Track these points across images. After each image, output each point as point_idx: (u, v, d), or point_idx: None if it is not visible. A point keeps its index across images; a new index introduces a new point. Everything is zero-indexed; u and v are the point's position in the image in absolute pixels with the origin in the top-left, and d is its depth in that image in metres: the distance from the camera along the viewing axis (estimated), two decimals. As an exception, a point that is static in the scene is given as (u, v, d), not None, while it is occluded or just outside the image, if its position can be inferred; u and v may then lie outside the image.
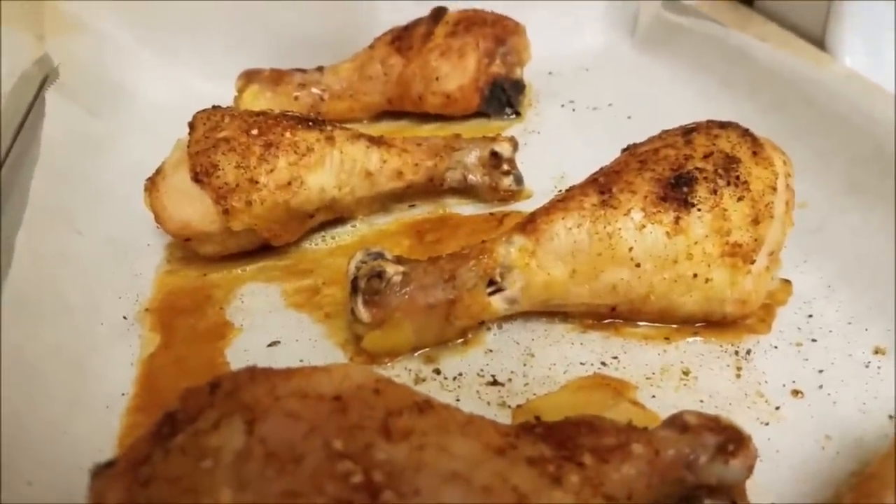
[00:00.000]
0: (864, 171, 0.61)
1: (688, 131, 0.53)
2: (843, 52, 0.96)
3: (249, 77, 0.82)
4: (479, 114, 0.82)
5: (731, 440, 0.37)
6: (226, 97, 0.79)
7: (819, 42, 0.94)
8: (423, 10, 0.83)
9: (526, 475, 0.34)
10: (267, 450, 0.31)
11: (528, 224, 0.52)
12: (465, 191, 0.68)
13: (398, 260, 0.52)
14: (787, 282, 0.55)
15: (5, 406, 0.43)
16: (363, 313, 0.50)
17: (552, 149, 0.76)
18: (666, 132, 0.55)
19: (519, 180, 0.68)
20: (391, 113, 0.84)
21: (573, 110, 0.84)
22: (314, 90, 0.81)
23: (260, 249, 0.62)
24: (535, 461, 0.35)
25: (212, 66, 0.86)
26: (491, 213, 0.67)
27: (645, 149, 0.53)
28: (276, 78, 0.82)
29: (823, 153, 0.64)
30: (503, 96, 0.82)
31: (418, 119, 0.83)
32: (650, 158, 0.52)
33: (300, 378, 0.36)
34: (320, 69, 0.83)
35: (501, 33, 0.81)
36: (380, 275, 0.50)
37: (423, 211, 0.68)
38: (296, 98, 0.81)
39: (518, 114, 0.83)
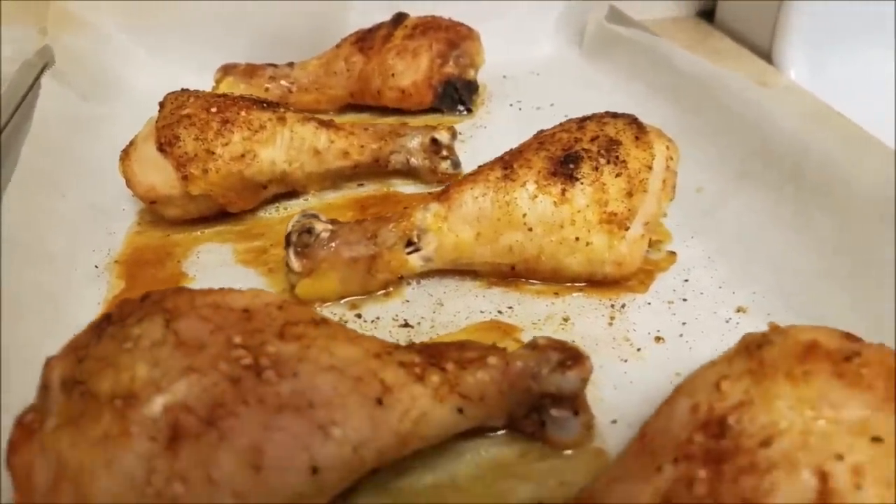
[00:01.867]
0: (752, 163, 0.69)
1: (583, 119, 0.62)
2: (788, 65, 1.05)
3: (226, 70, 0.91)
4: (434, 109, 0.91)
5: (570, 357, 0.45)
6: (206, 87, 0.88)
7: (768, 57, 1.03)
8: (388, 16, 0.93)
9: (394, 373, 0.43)
10: (178, 340, 0.39)
11: (443, 194, 0.60)
12: (408, 172, 0.76)
13: (330, 221, 0.61)
14: (673, 253, 0.64)
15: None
16: (294, 263, 0.58)
17: (494, 141, 0.82)
18: (568, 120, 0.63)
19: (456, 164, 0.76)
20: (354, 106, 0.92)
21: (519, 109, 0.92)
22: (283, 83, 0.90)
23: (219, 216, 0.70)
24: (404, 364, 0.44)
25: (195, 61, 0.95)
26: (429, 193, 0.75)
27: (546, 133, 0.62)
28: (250, 71, 0.91)
29: (722, 147, 0.72)
30: (455, 94, 0.90)
31: (379, 112, 0.91)
32: (547, 140, 0.60)
33: (217, 294, 0.44)
34: (290, 65, 0.92)
35: (455, 38, 0.90)
36: (310, 230, 0.58)
37: (369, 189, 0.76)
38: (266, 90, 0.89)
39: (469, 110, 0.91)
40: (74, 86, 0.85)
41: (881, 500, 0.34)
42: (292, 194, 0.74)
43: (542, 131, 0.63)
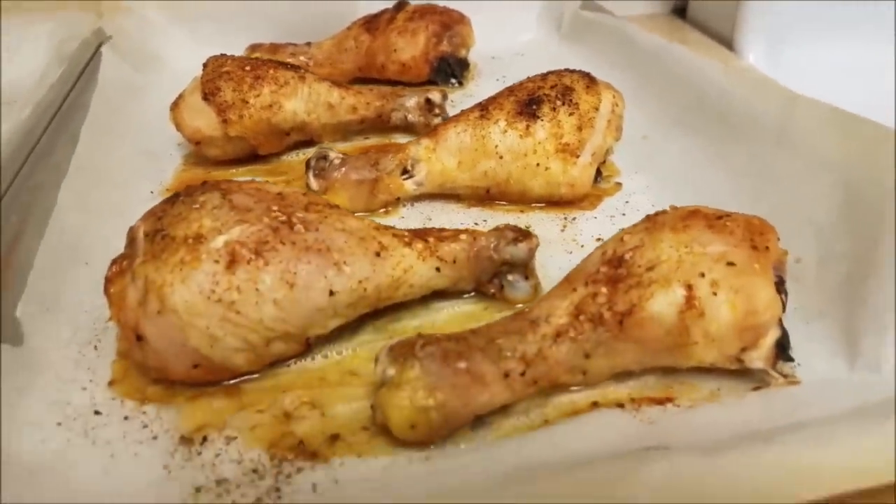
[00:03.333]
0: (688, 115, 0.84)
1: (545, 74, 0.77)
2: (747, 52, 1.20)
3: (253, 48, 1.07)
4: (430, 82, 1.06)
5: (521, 234, 0.60)
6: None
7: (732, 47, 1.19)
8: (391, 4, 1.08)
9: (389, 239, 0.57)
10: (232, 204, 0.54)
11: (432, 131, 0.75)
12: (406, 127, 0.91)
13: (342, 153, 0.76)
14: (619, 184, 0.78)
15: (68, 234, 0.66)
16: (313, 182, 0.73)
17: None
18: (530, 77, 0.78)
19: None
20: (361, 79, 1.07)
21: (504, 82, 1.07)
22: (302, 58, 1.06)
23: (250, 158, 0.85)
24: (396, 234, 0.58)
25: (225, 42, 1.10)
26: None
27: (515, 84, 0.77)
28: (274, 49, 1.06)
29: (666, 104, 0.87)
30: (449, 69, 1.06)
31: (383, 84, 1.06)
32: (516, 88, 0.75)
33: (258, 183, 0.59)
34: (308, 44, 1.08)
35: (448, 20, 1.05)
36: (325, 157, 0.73)
37: (373, 140, 0.92)
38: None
39: (461, 83, 1.06)
40: (127, 59, 1.02)
41: (730, 303, 0.48)
42: (309, 143, 0.89)
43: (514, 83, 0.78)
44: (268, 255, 0.51)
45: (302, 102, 0.84)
